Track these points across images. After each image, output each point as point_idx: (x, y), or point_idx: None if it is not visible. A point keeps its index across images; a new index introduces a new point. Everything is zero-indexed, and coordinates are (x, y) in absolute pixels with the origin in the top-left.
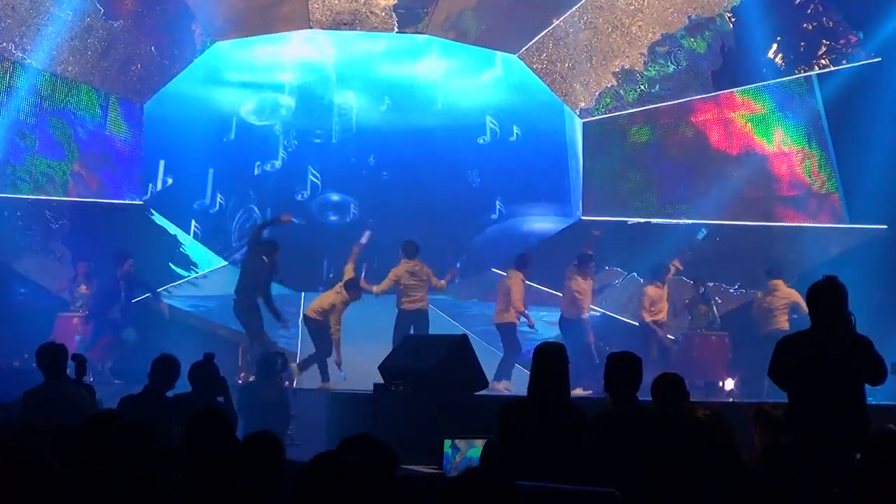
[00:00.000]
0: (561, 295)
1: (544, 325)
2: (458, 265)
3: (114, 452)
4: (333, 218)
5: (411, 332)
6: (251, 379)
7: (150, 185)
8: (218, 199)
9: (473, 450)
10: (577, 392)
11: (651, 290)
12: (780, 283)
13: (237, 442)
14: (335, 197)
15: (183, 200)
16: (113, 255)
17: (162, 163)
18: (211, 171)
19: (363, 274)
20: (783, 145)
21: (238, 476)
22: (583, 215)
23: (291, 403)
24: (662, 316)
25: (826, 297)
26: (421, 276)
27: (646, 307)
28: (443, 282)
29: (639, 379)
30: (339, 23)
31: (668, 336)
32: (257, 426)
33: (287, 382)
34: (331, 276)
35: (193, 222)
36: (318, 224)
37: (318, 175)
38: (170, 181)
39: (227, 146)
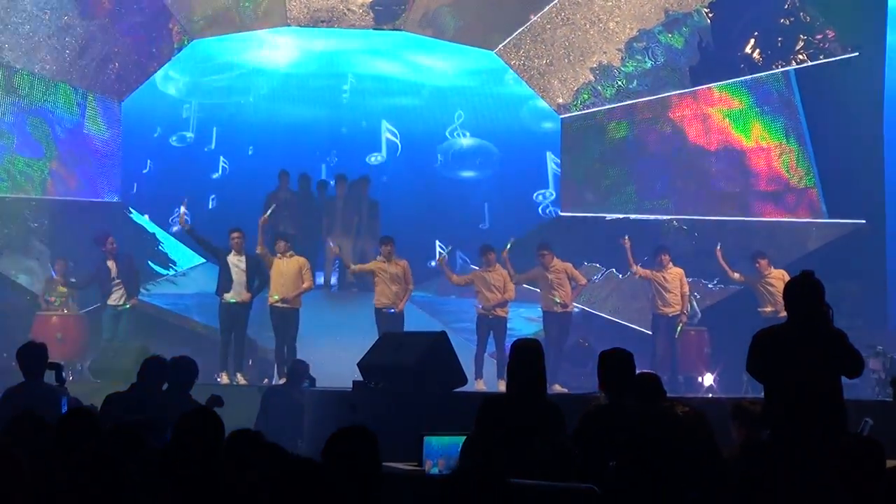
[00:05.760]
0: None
1: (524, 322)
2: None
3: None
4: None
5: None
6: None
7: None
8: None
9: (441, 438)
10: (556, 389)
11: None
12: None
13: (227, 442)
14: None
15: (163, 197)
16: (93, 238)
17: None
18: None
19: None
20: (761, 140)
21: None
22: (561, 211)
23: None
24: None
25: (803, 291)
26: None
27: None
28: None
29: (633, 375)
30: (316, 20)
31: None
32: (277, 428)
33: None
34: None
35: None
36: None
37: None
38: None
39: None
